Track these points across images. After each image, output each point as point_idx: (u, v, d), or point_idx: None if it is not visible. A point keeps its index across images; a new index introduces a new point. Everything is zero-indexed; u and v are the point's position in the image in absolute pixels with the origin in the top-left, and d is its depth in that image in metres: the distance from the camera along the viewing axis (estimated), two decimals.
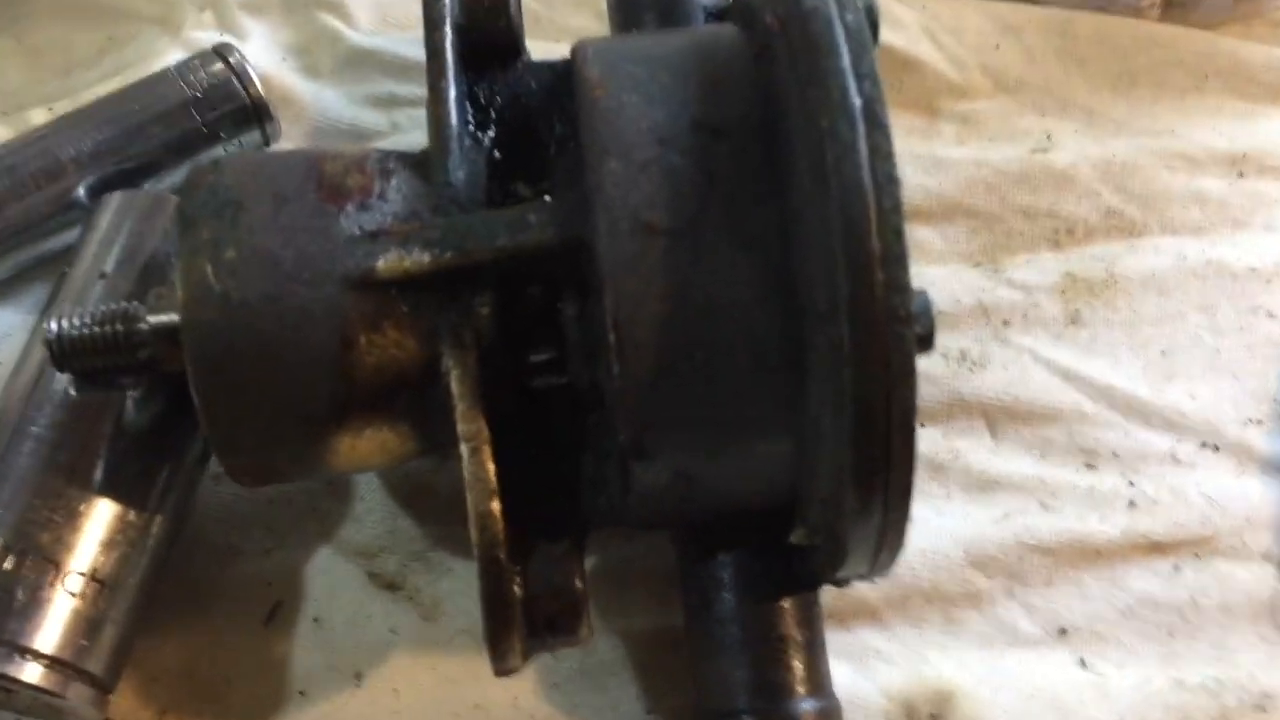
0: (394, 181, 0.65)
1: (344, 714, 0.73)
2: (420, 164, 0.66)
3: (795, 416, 0.60)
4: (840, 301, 0.54)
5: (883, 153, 0.54)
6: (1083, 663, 0.77)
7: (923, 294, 0.56)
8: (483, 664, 0.71)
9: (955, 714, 0.74)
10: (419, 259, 0.61)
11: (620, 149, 0.58)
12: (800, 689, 0.69)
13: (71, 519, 0.68)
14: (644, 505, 0.64)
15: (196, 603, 0.76)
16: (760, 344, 0.58)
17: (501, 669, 0.64)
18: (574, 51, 0.65)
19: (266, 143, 0.90)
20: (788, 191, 0.58)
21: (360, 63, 0.96)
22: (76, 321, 0.67)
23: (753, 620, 0.70)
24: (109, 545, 0.68)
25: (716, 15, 0.78)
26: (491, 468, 0.62)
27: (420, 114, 0.90)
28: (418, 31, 0.97)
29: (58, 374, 0.70)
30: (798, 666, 0.70)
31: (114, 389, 0.71)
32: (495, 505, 0.62)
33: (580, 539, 0.66)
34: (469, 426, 0.62)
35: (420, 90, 0.93)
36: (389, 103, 0.95)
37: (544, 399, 0.67)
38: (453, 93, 0.66)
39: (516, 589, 0.63)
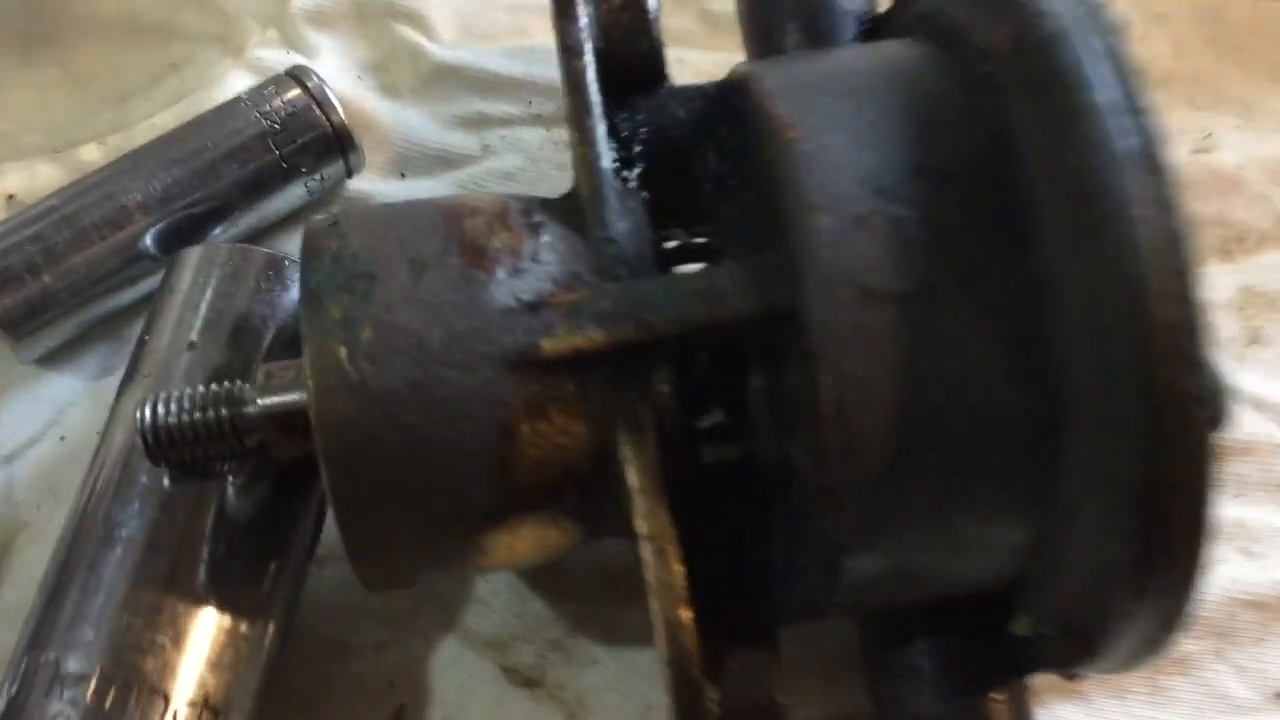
0: (545, 238, 0.56)
1: None
2: (570, 213, 0.57)
3: (1040, 504, 0.51)
4: (1117, 379, 0.45)
5: (1165, 203, 0.45)
6: None
7: (1213, 368, 0.47)
8: None
9: None
10: (591, 335, 0.52)
11: (831, 202, 0.49)
12: None
13: (177, 639, 0.59)
14: (849, 597, 0.56)
15: (310, 711, 0.67)
16: (1005, 425, 0.50)
17: None
18: (744, 80, 0.56)
19: (349, 174, 0.80)
20: (1029, 248, 0.48)
21: (444, 80, 0.86)
22: (174, 407, 0.59)
23: (959, 716, 0.61)
24: (219, 665, 0.59)
25: (870, 25, 0.68)
26: (680, 569, 0.53)
27: (514, 134, 0.82)
28: (505, 42, 0.89)
29: (145, 465, 0.61)
30: None
31: (213, 478, 0.62)
32: (686, 614, 0.53)
33: (773, 641, 0.58)
34: (653, 524, 0.53)
35: (512, 108, 0.84)
36: (479, 123, 0.85)
37: (717, 478, 0.59)
38: (601, 131, 0.57)
39: (713, 707, 0.55)
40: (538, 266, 0.54)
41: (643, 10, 0.62)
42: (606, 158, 0.57)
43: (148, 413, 0.58)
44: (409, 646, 0.69)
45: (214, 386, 0.59)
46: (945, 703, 0.61)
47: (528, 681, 0.69)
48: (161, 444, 0.59)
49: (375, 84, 0.86)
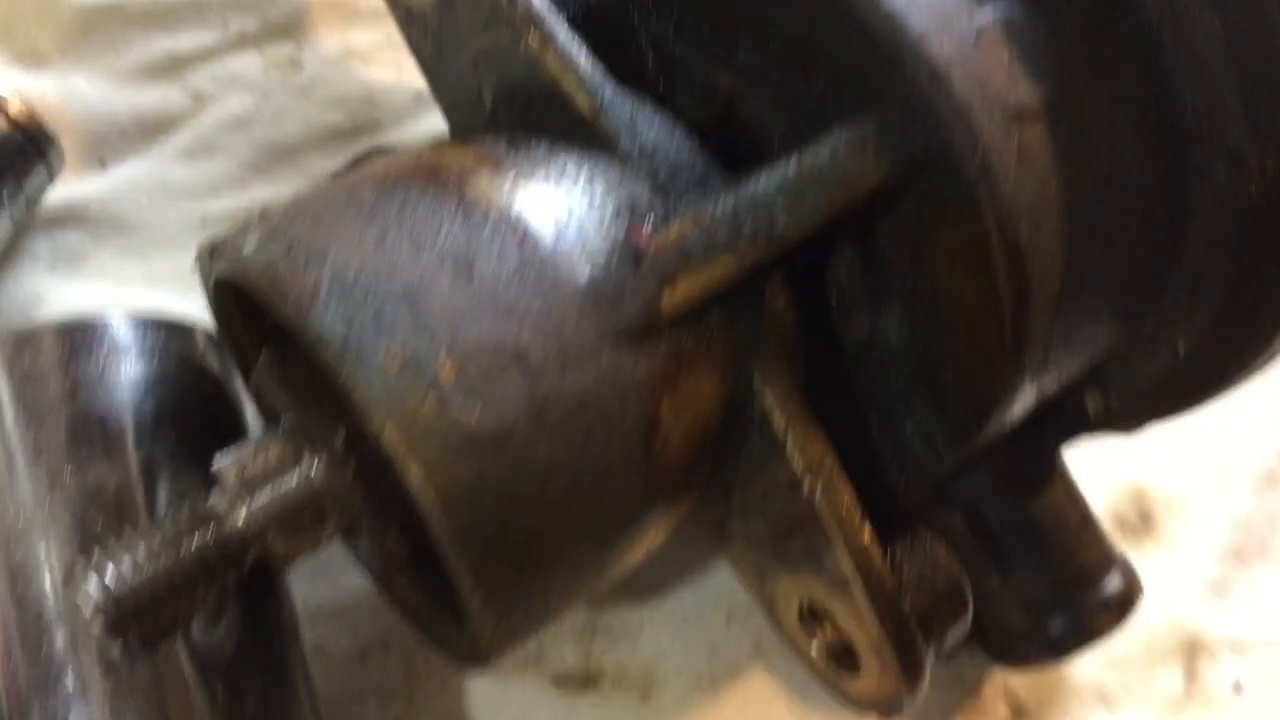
0: (578, 177, 0.43)
1: None
2: (565, 134, 0.45)
3: (1163, 279, 0.49)
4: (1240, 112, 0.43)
5: None
6: None
7: None
8: (729, 710, 0.59)
9: None
10: (718, 268, 0.41)
11: (937, 25, 0.42)
12: (1101, 567, 0.60)
13: None
14: (967, 456, 0.51)
15: None
16: (1146, 213, 0.47)
17: (912, 701, 0.50)
18: None
19: (50, 178, 0.59)
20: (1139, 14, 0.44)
21: (99, 25, 0.65)
22: (132, 563, 0.42)
23: (1031, 518, 0.60)
24: None
25: None
26: (850, 496, 0.46)
27: (224, 68, 0.64)
28: None
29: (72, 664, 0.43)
30: (1088, 544, 0.61)
31: (179, 631, 0.45)
32: (869, 537, 0.47)
33: (922, 515, 0.52)
34: (810, 454, 0.46)
35: (207, 36, 0.66)
36: (171, 67, 0.65)
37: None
38: (565, 29, 0.45)
39: (911, 622, 0.49)
40: (593, 213, 0.42)
41: None
42: (586, 60, 0.45)
43: (107, 583, 0.41)
44: (436, 713, 0.56)
45: (173, 514, 0.42)
46: (1011, 511, 0.60)
47: (586, 681, 0.59)
48: (137, 614, 0.41)
49: (9, 53, 0.63)
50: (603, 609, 0.60)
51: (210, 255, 0.42)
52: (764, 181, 0.42)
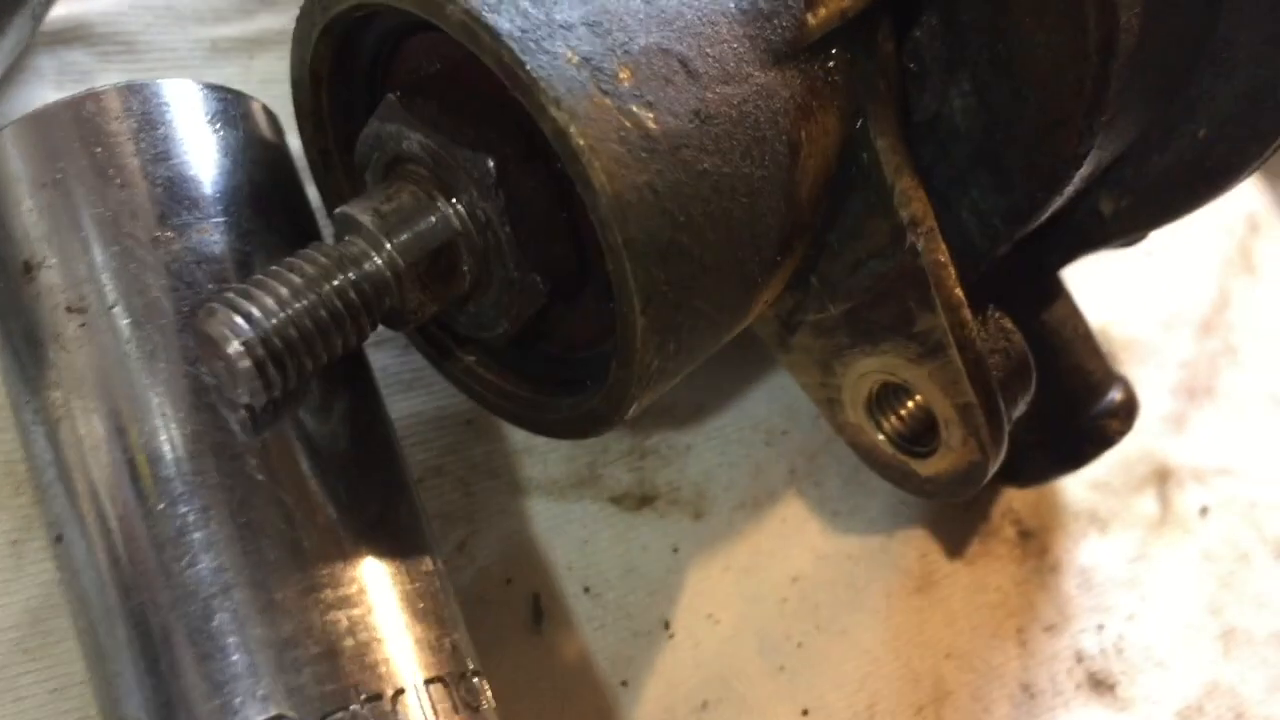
0: None
1: (676, 673, 0.56)
2: None
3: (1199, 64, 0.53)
4: None
5: None
6: None
7: None
8: (769, 530, 0.60)
9: None
10: None
11: None
12: (1105, 379, 0.64)
13: (365, 616, 0.41)
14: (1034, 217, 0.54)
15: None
16: None
17: (993, 468, 0.52)
18: None
19: None
20: None
21: None
22: (272, 304, 0.39)
23: (1045, 326, 0.63)
24: (419, 617, 0.43)
25: None
26: (946, 250, 0.48)
27: None
28: None
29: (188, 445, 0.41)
30: (1092, 356, 0.65)
31: (297, 406, 0.43)
32: (962, 291, 0.49)
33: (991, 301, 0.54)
34: (914, 207, 0.47)
35: None
36: None
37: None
38: None
39: (996, 385, 0.51)
40: None
41: None
42: None
43: (240, 322, 0.38)
44: (499, 535, 0.55)
45: (310, 256, 0.40)
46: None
47: (643, 501, 0.58)
48: (277, 358, 0.39)
49: None
50: (649, 433, 0.60)
51: None
52: None
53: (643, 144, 0.38)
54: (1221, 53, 0.53)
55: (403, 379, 0.56)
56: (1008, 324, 0.54)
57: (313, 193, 0.49)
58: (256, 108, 0.48)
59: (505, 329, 0.44)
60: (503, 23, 0.37)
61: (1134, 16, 0.47)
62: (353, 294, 0.40)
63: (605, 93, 0.37)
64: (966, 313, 0.49)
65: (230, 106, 0.46)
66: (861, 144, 0.46)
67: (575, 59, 0.37)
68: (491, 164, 0.40)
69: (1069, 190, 0.52)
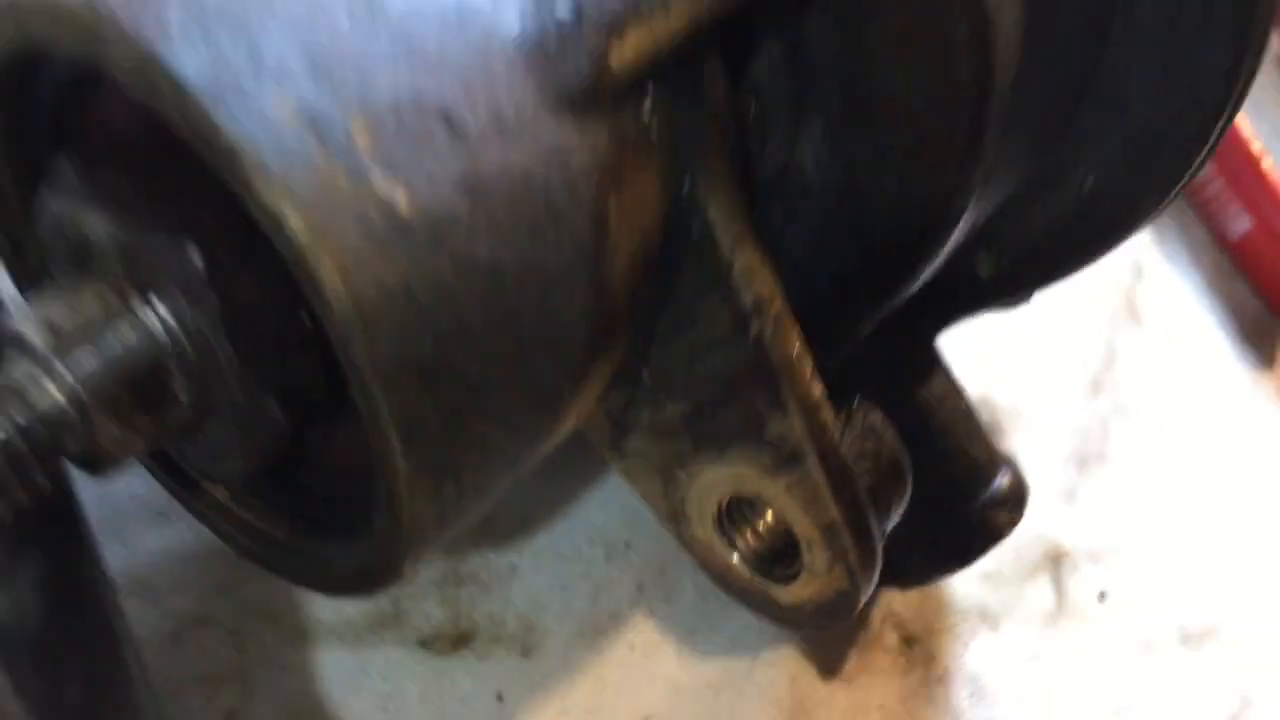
0: None
1: None
2: None
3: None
4: None
5: None
6: None
7: None
8: (614, 660, 0.52)
9: None
10: (673, 18, 0.34)
11: None
12: (990, 464, 0.57)
13: None
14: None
15: None
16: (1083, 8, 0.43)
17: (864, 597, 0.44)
18: None
19: None
20: None
21: None
22: None
23: (923, 406, 0.56)
24: None
25: None
26: (801, 340, 0.40)
27: None
28: None
29: None
30: (975, 439, 0.58)
31: None
32: (820, 389, 0.41)
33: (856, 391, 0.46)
34: (758, 288, 0.39)
35: None
36: None
37: None
38: None
39: (865, 498, 0.43)
40: None
41: None
42: None
43: None
44: (281, 696, 0.45)
45: None
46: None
47: (458, 641, 0.49)
48: None
49: None
50: (465, 555, 0.50)
51: None
52: None
53: (391, 230, 0.28)
54: (1109, 88, 0.46)
55: (155, 508, 0.46)
56: (877, 420, 0.46)
57: None
58: None
59: (242, 467, 0.34)
60: (188, 64, 0.27)
61: (1012, 48, 0.39)
62: (20, 442, 0.30)
63: (335, 160, 0.28)
64: (827, 414, 0.41)
65: None
66: (690, 211, 0.37)
67: (291, 114, 0.28)
68: (198, 255, 0.31)
69: (942, 256, 0.45)
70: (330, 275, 0.28)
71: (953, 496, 0.56)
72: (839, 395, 0.46)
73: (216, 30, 0.28)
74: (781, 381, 0.40)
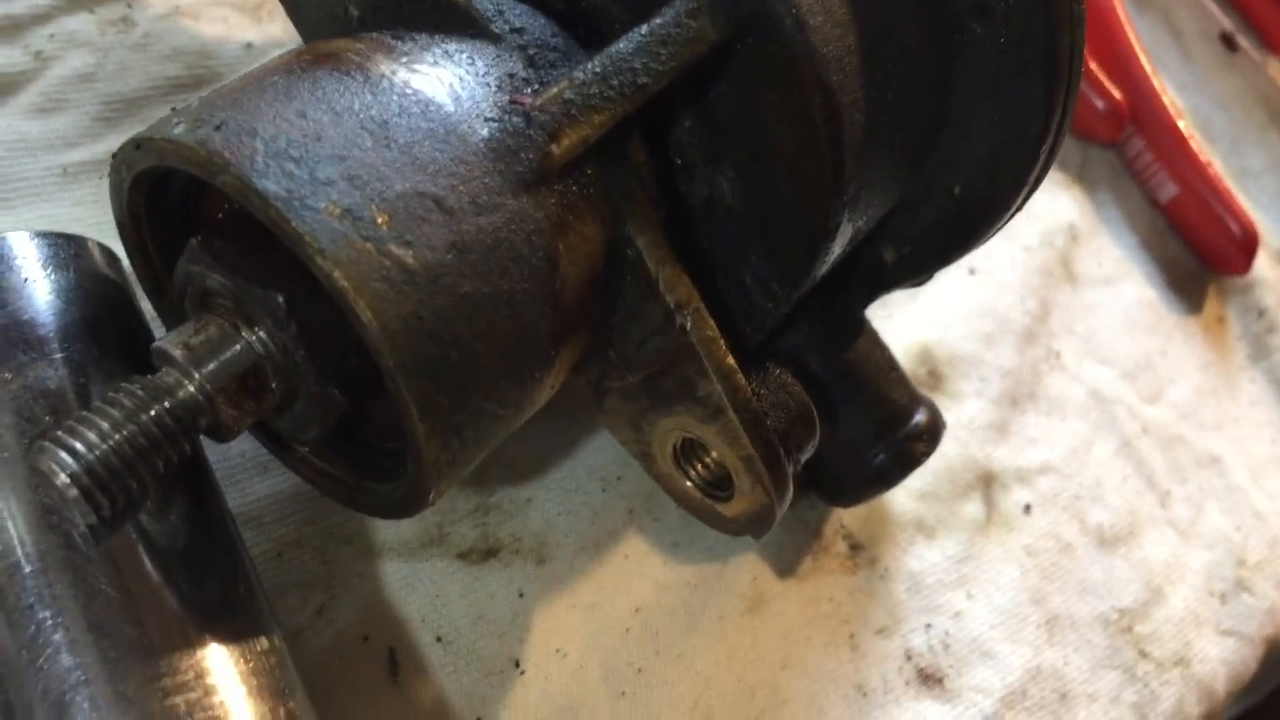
0: (461, 57, 0.50)
1: (526, 707, 0.62)
2: (440, 25, 0.51)
3: (940, 126, 0.59)
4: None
5: None
6: None
7: None
8: (611, 567, 0.66)
9: None
10: (597, 118, 0.49)
11: None
12: (910, 405, 0.70)
13: (202, 698, 0.47)
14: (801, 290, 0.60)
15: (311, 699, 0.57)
16: (919, 63, 0.56)
17: (781, 509, 0.59)
18: None
19: None
20: None
21: None
22: (93, 436, 0.45)
23: (848, 365, 0.70)
24: (255, 693, 0.48)
25: None
26: (714, 326, 0.55)
27: (61, 28, 0.67)
28: None
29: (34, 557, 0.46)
30: (896, 386, 0.71)
31: (135, 514, 0.49)
32: (731, 359, 0.55)
33: (769, 349, 0.61)
34: (678, 294, 0.53)
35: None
36: (7, 29, 0.67)
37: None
38: None
39: (775, 438, 0.57)
40: (480, 85, 0.49)
41: None
42: None
43: (65, 457, 0.44)
44: (352, 598, 0.61)
45: (128, 390, 0.46)
46: (829, 361, 0.69)
47: (488, 554, 0.64)
48: (102, 484, 0.45)
49: None
50: (493, 490, 0.66)
51: (135, 148, 0.46)
52: (623, 45, 0.50)
53: (403, 279, 0.44)
54: (958, 123, 0.59)
55: (260, 462, 0.62)
56: (787, 378, 0.60)
57: None
58: (91, 246, 0.54)
59: (317, 432, 0.50)
60: (270, 185, 0.43)
61: (858, 112, 0.53)
62: (169, 420, 0.46)
63: (365, 238, 0.43)
64: (739, 378, 0.56)
65: (61, 250, 0.52)
66: (625, 242, 0.52)
67: (337, 211, 0.43)
68: (281, 299, 0.46)
69: (833, 256, 0.59)
70: (365, 311, 0.43)
71: (879, 433, 0.70)
72: (758, 362, 0.61)
73: (286, 161, 0.43)
74: (702, 356, 0.55)
